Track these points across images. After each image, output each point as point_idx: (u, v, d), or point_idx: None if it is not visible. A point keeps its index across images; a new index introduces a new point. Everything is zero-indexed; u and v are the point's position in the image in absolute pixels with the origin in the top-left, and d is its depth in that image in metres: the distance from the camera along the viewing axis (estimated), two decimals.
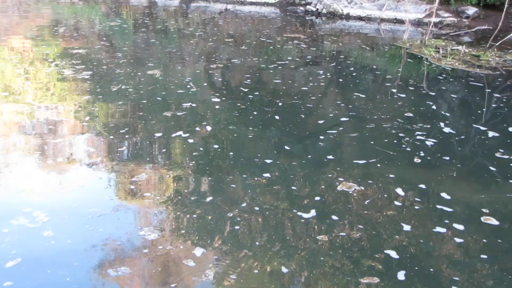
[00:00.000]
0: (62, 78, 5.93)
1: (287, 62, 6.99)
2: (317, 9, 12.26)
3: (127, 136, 4.34)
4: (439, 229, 3.00)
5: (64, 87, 5.66)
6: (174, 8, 13.42)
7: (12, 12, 12.29)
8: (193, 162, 3.85)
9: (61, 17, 11.58)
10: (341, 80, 6.26)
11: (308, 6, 12.73)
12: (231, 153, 4.03)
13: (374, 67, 7.24)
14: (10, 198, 3.22)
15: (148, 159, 3.93)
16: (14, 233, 2.80)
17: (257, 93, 5.52)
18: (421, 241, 2.88)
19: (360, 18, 11.56)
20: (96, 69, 6.23)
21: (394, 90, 5.82)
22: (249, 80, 6.00)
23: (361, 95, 5.57)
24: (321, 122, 4.75)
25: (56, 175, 3.62)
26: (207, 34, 9.33)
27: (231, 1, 14.16)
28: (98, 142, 4.23)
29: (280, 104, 5.18)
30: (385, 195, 3.44)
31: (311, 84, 5.94)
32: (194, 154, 3.99)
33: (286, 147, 4.19)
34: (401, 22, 10.68)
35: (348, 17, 11.68)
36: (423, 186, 3.53)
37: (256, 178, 3.60)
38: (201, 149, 4.10)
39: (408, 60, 7.66)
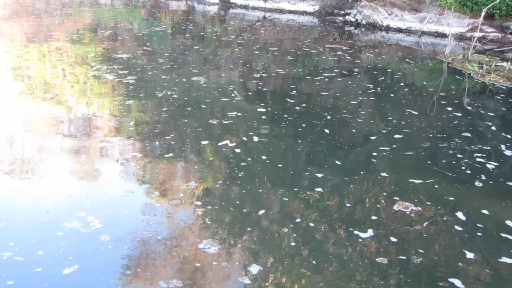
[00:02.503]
0: (106, 82, 6.09)
1: (333, 74, 6.98)
2: (356, 20, 12.29)
3: (173, 143, 4.41)
4: (505, 259, 2.91)
5: (109, 92, 5.81)
6: (212, 14, 13.65)
7: (55, 14, 12.77)
8: (242, 173, 3.87)
9: (102, 20, 11.95)
10: (391, 94, 6.21)
11: (347, 17, 12.76)
12: (280, 165, 4.04)
13: (422, 82, 7.16)
14: (61, 201, 3.31)
15: (196, 167, 3.98)
16: (69, 236, 2.88)
17: (304, 104, 5.52)
18: (487, 271, 2.80)
19: (400, 30, 11.57)
20: (140, 74, 6.38)
21: (449, 108, 5.72)
22: (294, 91, 6.02)
23: (413, 112, 5.50)
24: (373, 138, 4.71)
25: (103, 180, 3.71)
26: (247, 41, 9.44)
27: (270, 8, 14.32)
28: (144, 148, 4.31)
29: (329, 117, 5.17)
30: (445, 218, 3.37)
31: (360, 98, 5.92)
32: (242, 164, 4.01)
33: (338, 162, 4.17)
34: (443, 35, 10.61)
35: (387, 28, 11.68)
36: (485, 211, 3.44)
37: (308, 193, 3.59)
38: (249, 159, 4.12)
39: (453, 75, 7.60)
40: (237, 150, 4.28)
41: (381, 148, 4.46)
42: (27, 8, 13.52)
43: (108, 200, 3.38)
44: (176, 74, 6.47)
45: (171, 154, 4.21)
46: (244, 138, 4.54)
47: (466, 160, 4.26)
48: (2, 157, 3.97)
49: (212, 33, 10.61)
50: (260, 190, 3.62)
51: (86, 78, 6.30)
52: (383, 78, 7.07)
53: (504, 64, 7.66)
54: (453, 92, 6.60)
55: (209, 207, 3.34)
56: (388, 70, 7.81)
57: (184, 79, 6.28)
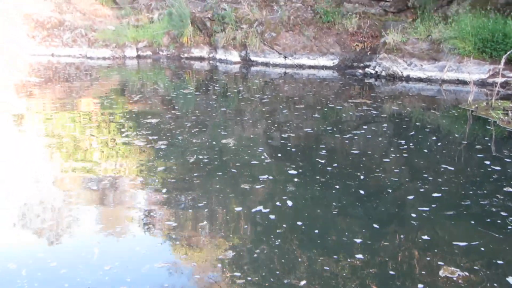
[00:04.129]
0: (136, 148, 6.27)
1: (362, 131, 7.03)
2: (376, 72, 12.53)
3: (206, 210, 4.46)
4: None
5: (139, 157, 5.97)
6: (235, 73, 14.06)
7: (84, 78, 13.37)
8: (279, 240, 3.86)
9: (129, 83, 12.44)
10: (424, 150, 6.19)
11: (367, 69, 13.02)
12: (317, 231, 4.02)
13: (451, 133, 7.15)
14: (101, 275, 3.33)
15: (231, 235, 4.00)
16: None
17: (335, 164, 5.55)
18: None
19: (420, 80, 11.76)
20: (170, 139, 6.55)
21: (487, 162, 5.66)
22: (324, 151, 6.06)
23: (449, 167, 5.46)
24: (410, 198, 4.67)
25: (139, 251, 3.74)
26: (272, 99, 9.64)
27: (290, 65, 14.70)
28: (178, 216, 4.37)
29: (362, 177, 5.17)
30: (495, 284, 3.26)
31: (392, 155, 5.92)
32: (278, 231, 4.01)
33: (375, 226, 4.12)
34: (464, 83, 10.70)
35: (408, 79, 11.86)
36: None
37: (349, 260, 3.56)
38: (285, 226, 4.12)
39: (479, 124, 7.65)
40: (272, 216, 4.29)
41: (419, 208, 4.40)
42: (59, 74, 14.21)
43: (147, 272, 3.40)
44: (205, 137, 6.62)
45: (205, 223, 4.25)
46: (277, 203, 4.55)
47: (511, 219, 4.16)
48: (32, 225, 4.07)
49: (237, 92, 10.90)
50: (300, 259, 3.60)
51: (116, 144, 6.50)
52: (413, 132, 7.08)
53: None
54: (487, 144, 6.54)
55: (249, 278, 3.32)
56: (417, 124, 7.83)
57: (214, 142, 6.42)
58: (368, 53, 14.11)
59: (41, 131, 7.34)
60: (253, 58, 15.27)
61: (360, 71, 13.33)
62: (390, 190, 4.86)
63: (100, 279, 3.31)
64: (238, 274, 3.40)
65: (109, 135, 7.06)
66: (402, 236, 3.96)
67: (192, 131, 6.97)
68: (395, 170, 5.43)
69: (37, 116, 8.59)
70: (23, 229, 4.14)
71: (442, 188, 4.85)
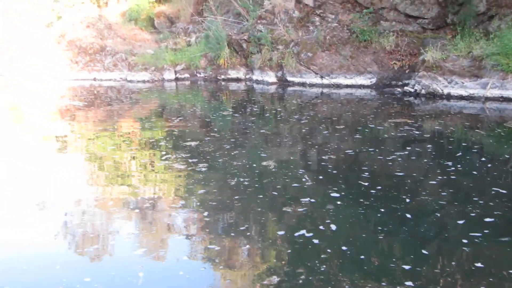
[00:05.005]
0: (176, 171, 6.32)
1: (405, 152, 6.86)
2: (415, 90, 12.31)
3: (248, 233, 4.42)
4: None
5: (180, 181, 6.02)
6: (272, 93, 14.11)
7: (125, 101, 13.72)
8: (324, 266, 3.77)
9: (168, 105, 12.67)
10: (473, 172, 5.97)
11: (405, 87, 12.81)
12: (363, 257, 3.91)
13: (500, 154, 6.88)
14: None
15: (274, 260, 3.94)
16: None
17: (379, 187, 5.41)
18: None
19: (462, 98, 11.45)
20: (211, 162, 6.57)
21: None
22: (367, 173, 5.94)
23: (500, 190, 5.23)
24: (460, 222, 4.49)
25: (182, 273, 3.72)
26: (310, 119, 9.59)
27: (327, 84, 14.64)
28: (220, 239, 4.35)
29: (408, 200, 5.02)
30: None
31: (439, 177, 5.73)
32: (322, 256, 3.93)
33: (424, 251, 3.98)
34: (508, 100, 10.37)
35: (449, 96, 11.60)
36: None
37: (398, 287, 3.42)
38: (329, 250, 4.03)
39: None
40: (315, 241, 4.21)
41: (471, 234, 4.22)
42: (101, 97, 14.66)
43: None
44: (245, 160, 6.62)
45: (247, 247, 4.20)
46: (321, 227, 4.47)
47: None
48: (76, 248, 4.13)
49: (275, 113, 10.92)
50: (346, 286, 3.49)
51: (156, 167, 6.58)
52: (460, 153, 6.86)
53: None
54: None
55: None
56: (462, 144, 7.59)
57: (254, 164, 6.40)
58: (407, 71, 13.89)
59: (83, 154, 7.54)
60: (289, 78, 15.31)
61: (399, 89, 13.13)
62: (438, 214, 4.69)
63: None
64: None
65: (149, 158, 7.16)
66: (453, 263, 3.79)
67: (232, 153, 6.99)
68: (443, 193, 5.24)
69: (79, 139, 8.85)
70: (66, 252, 4.21)
71: (495, 213, 4.64)
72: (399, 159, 6.53)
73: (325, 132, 8.47)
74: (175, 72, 17.45)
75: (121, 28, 20.09)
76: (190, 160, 6.66)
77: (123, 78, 17.99)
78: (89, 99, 14.23)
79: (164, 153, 7.31)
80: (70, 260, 4.04)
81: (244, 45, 16.71)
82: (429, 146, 7.29)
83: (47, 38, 20.28)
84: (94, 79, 18.49)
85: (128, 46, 18.74)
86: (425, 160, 6.56)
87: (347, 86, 14.32)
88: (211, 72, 17.06)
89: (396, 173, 5.93)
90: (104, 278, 3.70)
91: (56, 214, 5.02)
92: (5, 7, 21.45)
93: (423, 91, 12.12)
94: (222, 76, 16.89)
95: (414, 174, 5.89)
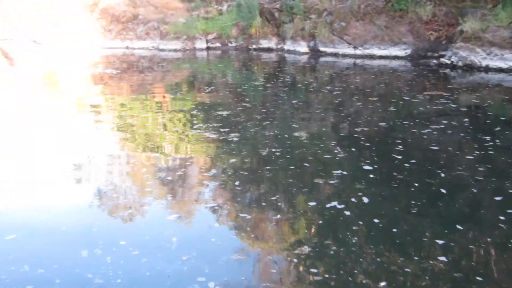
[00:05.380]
0: (208, 140, 6.35)
1: (441, 126, 6.67)
2: (452, 62, 11.88)
3: (280, 203, 4.43)
4: None
5: (211, 150, 6.05)
6: (304, 63, 13.91)
7: (157, 69, 13.81)
8: (355, 239, 3.76)
9: (199, 74, 12.69)
10: None
11: (441, 59, 12.38)
12: (395, 230, 3.87)
13: None
14: (180, 265, 3.40)
15: (306, 231, 3.94)
16: None
17: (413, 161, 5.31)
18: None
19: (501, 70, 10.98)
20: (242, 132, 6.57)
21: None
22: (401, 146, 5.82)
23: None
24: (498, 199, 4.37)
25: (215, 242, 3.77)
26: (343, 91, 9.43)
27: (360, 55, 14.31)
28: (251, 209, 4.37)
29: (443, 175, 4.91)
30: None
31: (476, 152, 5.56)
32: (353, 228, 3.91)
33: (459, 227, 3.90)
34: None
35: (487, 69, 11.15)
36: None
37: (431, 262, 3.38)
38: (361, 223, 4.00)
39: None
40: (347, 213, 4.18)
41: (508, 211, 4.10)
42: (133, 65, 14.81)
43: (224, 264, 3.42)
44: (277, 130, 6.59)
45: (279, 216, 4.21)
46: (353, 199, 4.43)
47: None
48: (111, 213, 4.23)
49: (307, 84, 10.78)
50: (378, 259, 3.48)
51: (188, 136, 6.62)
52: (498, 128, 6.63)
53: None
54: None
55: (326, 276, 3.25)
56: (501, 118, 7.32)
57: (286, 135, 6.37)
58: (443, 43, 13.41)
59: (116, 122, 7.66)
60: (321, 48, 15.04)
61: (435, 61, 12.72)
62: (474, 190, 4.57)
63: (179, 269, 3.37)
64: (314, 270, 3.34)
65: (181, 127, 7.21)
66: (489, 239, 3.71)
67: (263, 123, 6.96)
68: (480, 169, 5.09)
69: (112, 107, 8.98)
70: (102, 216, 4.32)
71: None
72: (434, 132, 6.36)
73: (358, 103, 8.32)
74: (207, 41, 17.40)
75: None
76: (221, 130, 6.67)
77: (155, 47, 18.05)
78: (122, 67, 14.37)
79: (195, 122, 7.34)
80: (106, 224, 4.15)
81: (276, 14, 16.45)
82: (465, 119, 7.07)
83: (81, 6, 20.43)
84: (127, 47, 18.62)
85: (160, 15, 18.72)
86: (462, 134, 6.37)
87: (380, 57, 13.97)
88: (242, 42, 16.93)
89: (431, 147, 5.79)
90: (139, 242, 3.78)
91: (91, 180, 5.14)
92: None
93: (460, 63, 11.71)
94: (254, 46, 16.74)
95: (450, 148, 5.74)
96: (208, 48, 17.31)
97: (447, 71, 11.58)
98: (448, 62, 12.05)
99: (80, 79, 12.89)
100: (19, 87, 11.40)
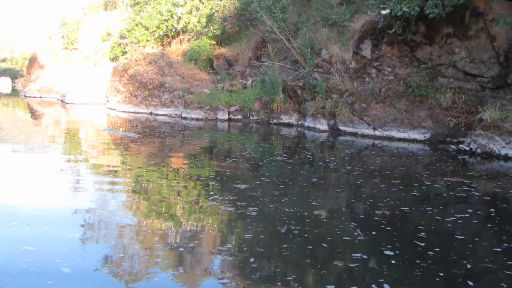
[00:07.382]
0: (224, 213, 6.20)
1: (466, 214, 6.42)
2: (471, 149, 11.79)
3: (295, 284, 4.20)
4: None
5: (227, 224, 5.89)
6: (323, 141, 13.94)
7: (177, 136, 13.98)
8: None
9: (218, 145, 12.76)
10: None
11: (460, 145, 12.28)
12: None
13: None
14: None
15: None
16: None
17: (437, 249, 5.06)
18: None
19: None
20: (261, 207, 6.41)
21: None
22: (423, 233, 5.58)
23: None
24: None
25: None
26: (363, 171, 9.31)
27: (379, 136, 14.33)
28: None
29: (469, 266, 4.65)
30: None
31: (504, 244, 5.28)
32: None
33: None
34: None
35: (506, 158, 11.00)
36: None
37: None
38: None
39: None
40: None
41: None
42: (155, 131, 15.04)
43: None
44: (296, 207, 6.43)
45: None
46: (373, 286, 4.17)
47: None
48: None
49: (327, 162, 10.71)
50: None
51: (203, 207, 6.50)
52: None
53: None
54: None
55: None
56: None
57: (305, 213, 6.20)
58: (462, 129, 13.39)
59: (131, 186, 7.61)
60: (341, 127, 15.13)
61: (453, 147, 12.63)
62: (504, 285, 4.28)
63: None
64: None
65: (196, 196, 7.12)
66: None
67: (282, 200, 6.81)
68: (509, 262, 4.81)
69: (129, 170, 8.98)
70: (107, 284, 4.13)
71: None
72: (459, 221, 6.11)
73: (378, 185, 8.16)
74: (229, 113, 17.73)
75: (181, 66, 20.81)
76: (238, 203, 6.53)
77: (178, 115, 18.43)
78: (144, 132, 14.60)
79: (212, 193, 7.23)
80: None
81: (299, 92, 16.80)
82: (491, 209, 6.81)
83: (110, 70, 21.24)
84: (151, 113, 19.04)
85: (186, 84, 19.31)
86: (489, 225, 6.11)
87: (399, 139, 13.96)
88: (263, 116, 17.20)
89: (456, 236, 5.54)
90: None
91: (99, 243, 5.01)
92: None
93: (478, 150, 11.60)
94: (274, 120, 16.97)
95: (477, 239, 5.49)
96: (229, 120, 17.60)
97: (466, 157, 11.45)
98: (467, 148, 11.95)
99: (101, 141, 13.08)
100: (44, 142, 11.59)
